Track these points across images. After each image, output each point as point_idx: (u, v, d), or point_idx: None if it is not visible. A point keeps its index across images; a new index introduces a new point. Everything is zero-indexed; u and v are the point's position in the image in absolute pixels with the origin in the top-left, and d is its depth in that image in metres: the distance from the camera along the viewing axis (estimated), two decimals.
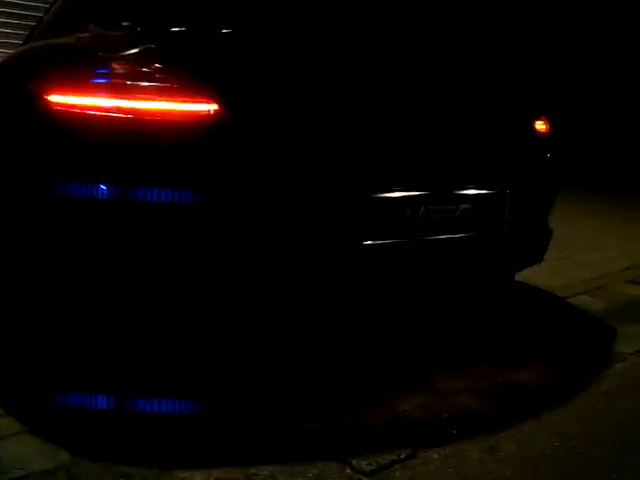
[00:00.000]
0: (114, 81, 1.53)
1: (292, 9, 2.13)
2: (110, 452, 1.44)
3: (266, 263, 1.64)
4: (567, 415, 1.72)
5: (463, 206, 1.95)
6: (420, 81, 1.95)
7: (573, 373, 2.02)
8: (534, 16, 9.20)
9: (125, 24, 2.02)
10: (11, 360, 1.87)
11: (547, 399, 1.81)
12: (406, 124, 1.85)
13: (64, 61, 1.73)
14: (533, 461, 1.49)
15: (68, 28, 2.19)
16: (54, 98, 1.55)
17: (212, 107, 1.54)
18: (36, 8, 5.49)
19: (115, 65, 1.58)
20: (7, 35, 5.74)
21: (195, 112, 1.54)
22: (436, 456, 1.49)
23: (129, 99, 1.50)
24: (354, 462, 1.44)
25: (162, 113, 1.51)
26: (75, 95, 1.54)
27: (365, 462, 1.44)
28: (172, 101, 1.53)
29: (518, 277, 2.59)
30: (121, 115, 1.49)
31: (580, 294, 2.87)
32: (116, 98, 1.50)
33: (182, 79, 1.56)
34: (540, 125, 2.26)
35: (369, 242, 1.75)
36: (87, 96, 1.52)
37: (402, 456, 1.47)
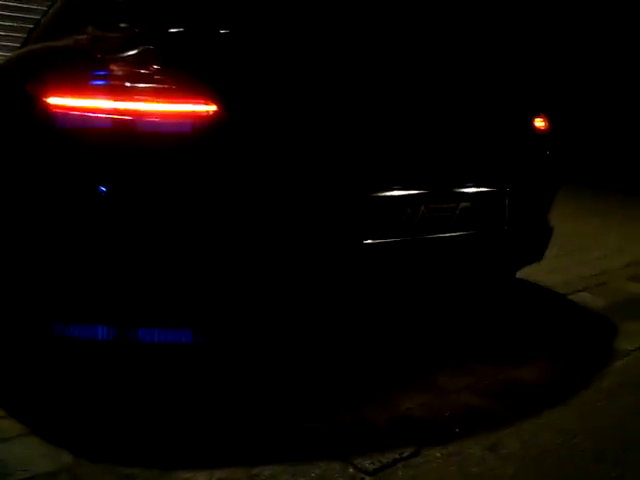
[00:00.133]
0: (112, 83, 1.53)
1: (291, 9, 2.13)
2: (112, 453, 1.44)
3: (267, 263, 1.64)
4: (569, 412, 1.72)
5: (463, 204, 1.95)
6: (420, 80, 1.95)
7: (574, 370, 2.02)
8: (533, 13, 9.20)
9: (123, 26, 2.02)
10: (9, 360, 1.87)
11: (548, 396, 1.81)
12: (406, 123, 1.85)
13: (62, 63, 1.73)
14: (535, 458, 1.49)
15: (66, 30, 2.19)
16: (53, 100, 1.55)
17: (211, 108, 1.54)
18: (34, 11, 5.49)
19: (113, 67, 1.57)
20: (4, 38, 5.74)
21: (193, 113, 1.54)
22: (439, 454, 1.49)
23: (127, 101, 1.50)
24: (356, 461, 1.44)
25: (161, 114, 1.51)
26: (74, 97, 1.54)
27: (368, 461, 1.44)
28: (170, 102, 1.53)
29: (519, 274, 2.59)
30: (120, 117, 1.49)
31: (580, 291, 2.87)
32: (115, 100, 1.50)
33: (180, 80, 1.56)
34: (539, 122, 2.26)
35: (369, 241, 1.76)
36: (86, 98, 1.53)
37: (405, 455, 1.47)
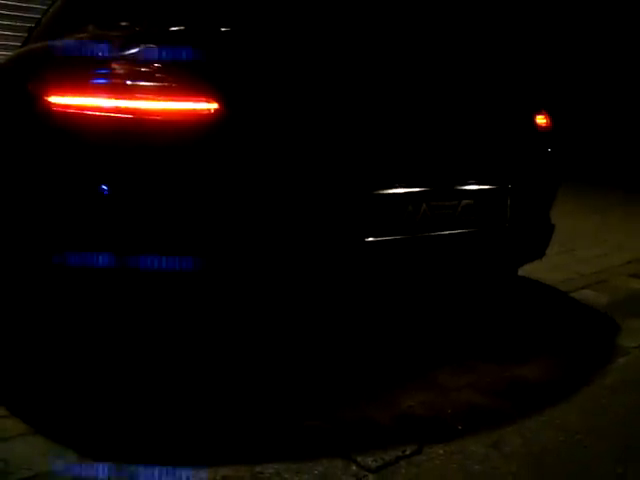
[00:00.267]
0: (114, 81, 1.53)
1: (292, 7, 2.12)
2: (115, 452, 1.44)
3: (268, 260, 1.64)
4: (571, 410, 1.72)
5: (465, 202, 1.95)
6: (421, 77, 1.95)
7: (576, 368, 2.02)
8: (534, 11, 9.18)
9: (123, 24, 2.02)
10: (12, 359, 1.87)
11: (551, 394, 1.81)
12: (407, 120, 1.85)
13: (63, 62, 1.73)
14: (537, 456, 1.49)
15: (66, 29, 2.19)
16: (54, 99, 1.55)
17: (212, 106, 1.54)
18: (34, 10, 5.49)
19: (114, 65, 1.57)
20: (5, 37, 5.74)
21: (195, 111, 1.54)
22: (441, 452, 1.49)
23: (129, 99, 1.50)
24: (359, 459, 1.44)
25: (162, 112, 1.51)
26: (75, 96, 1.54)
27: (370, 458, 1.45)
28: (172, 100, 1.53)
29: (520, 272, 2.59)
30: (121, 115, 1.49)
31: (582, 288, 2.87)
32: (116, 98, 1.50)
33: (182, 78, 1.56)
34: (541, 120, 2.26)
35: (371, 239, 1.75)
36: (87, 97, 1.53)
37: (407, 452, 1.48)
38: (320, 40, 1.93)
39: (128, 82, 1.52)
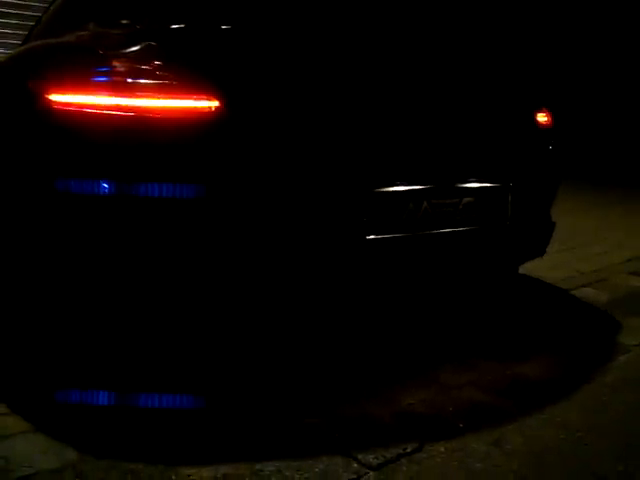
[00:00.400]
0: (114, 79, 1.53)
1: (293, 5, 2.12)
2: (116, 449, 1.44)
3: (268, 258, 1.64)
4: (572, 408, 1.72)
5: (466, 199, 1.95)
6: (422, 74, 1.95)
7: (577, 365, 2.02)
8: (534, 9, 9.18)
9: (124, 22, 2.01)
10: (12, 357, 1.87)
11: (551, 392, 1.81)
12: (408, 118, 1.85)
13: (64, 60, 1.73)
14: (539, 454, 1.49)
15: (67, 27, 2.19)
16: (55, 97, 1.55)
17: (213, 104, 1.54)
18: (35, 8, 5.48)
19: (115, 63, 1.57)
20: (6, 35, 5.73)
21: (196, 109, 1.53)
22: (442, 449, 1.49)
23: (129, 97, 1.50)
24: (360, 456, 1.44)
25: (163, 110, 1.51)
26: (76, 94, 1.54)
27: (371, 456, 1.45)
28: (173, 98, 1.52)
29: (521, 270, 2.59)
30: (122, 113, 1.49)
31: (583, 286, 2.87)
32: (117, 96, 1.50)
33: (182, 76, 1.56)
34: (541, 117, 2.26)
35: (372, 236, 1.75)
36: (88, 94, 1.52)
37: (408, 450, 1.48)
38: (321, 38, 1.93)
39: (129, 80, 1.52)
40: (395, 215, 1.79)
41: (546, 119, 2.27)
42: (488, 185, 2.02)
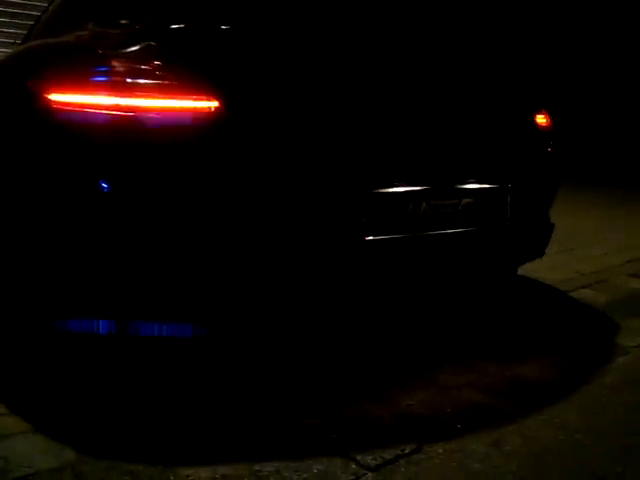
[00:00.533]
0: (113, 79, 1.53)
1: (293, 5, 2.12)
2: (115, 450, 1.44)
3: (267, 259, 1.64)
4: (571, 409, 1.72)
5: (465, 201, 1.95)
6: (422, 76, 1.95)
7: (576, 367, 2.02)
8: (533, 10, 9.18)
9: (124, 22, 2.01)
10: (12, 356, 1.87)
11: (550, 393, 1.81)
12: (407, 119, 1.85)
13: (63, 60, 1.73)
14: (537, 455, 1.49)
15: (67, 27, 2.19)
16: (54, 97, 1.55)
17: (212, 104, 1.54)
18: (35, 7, 5.48)
19: (114, 63, 1.57)
20: (5, 35, 5.73)
21: (195, 109, 1.54)
22: (441, 451, 1.49)
23: (129, 97, 1.50)
24: (359, 457, 1.44)
25: (162, 110, 1.51)
26: (75, 93, 1.54)
27: (370, 457, 1.45)
28: (172, 98, 1.52)
29: (520, 271, 2.59)
30: (121, 113, 1.49)
31: (582, 288, 2.87)
32: (116, 96, 1.50)
33: (182, 76, 1.56)
34: (541, 119, 2.26)
35: (371, 237, 1.75)
36: (87, 94, 1.52)
37: (407, 451, 1.48)
38: (320, 38, 1.93)
39: (128, 80, 1.52)
40: (394, 216, 1.79)
41: (545, 121, 2.27)
42: (487, 186, 2.02)
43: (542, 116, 2.27)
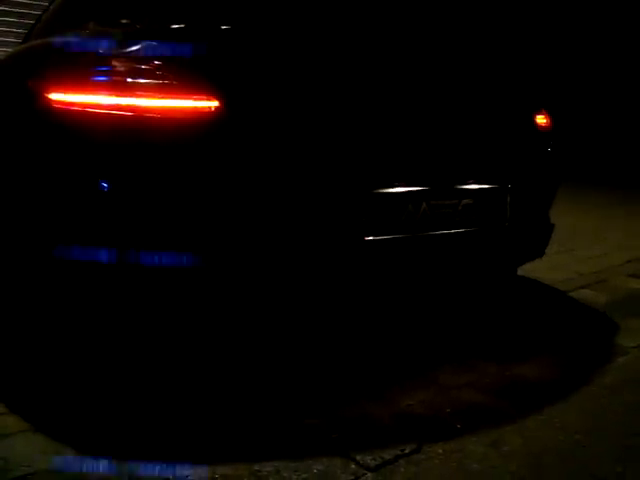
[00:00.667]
0: (114, 78, 1.53)
1: (292, 5, 2.12)
2: (115, 450, 1.44)
3: (267, 259, 1.64)
4: (570, 409, 1.72)
5: (465, 201, 1.95)
6: (421, 76, 1.95)
7: (576, 367, 2.02)
8: (533, 11, 9.18)
9: (124, 21, 2.01)
10: (12, 356, 1.87)
11: (550, 393, 1.81)
12: (407, 119, 1.85)
13: (64, 59, 1.72)
14: (537, 455, 1.49)
15: (67, 26, 2.19)
16: (54, 96, 1.55)
17: (212, 104, 1.54)
18: (36, 6, 5.48)
19: (115, 62, 1.57)
20: (6, 34, 5.73)
21: (195, 109, 1.54)
22: (440, 451, 1.49)
23: (129, 96, 1.50)
24: (358, 457, 1.44)
25: (162, 110, 1.51)
26: (75, 93, 1.54)
27: (369, 457, 1.45)
28: (172, 98, 1.53)
29: (520, 271, 2.59)
30: (121, 112, 1.49)
31: (581, 288, 2.88)
32: (116, 95, 1.50)
33: (182, 76, 1.56)
34: (540, 119, 2.26)
35: (371, 238, 1.75)
36: (87, 94, 1.52)
37: (406, 451, 1.48)
38: (320, 38, 1.93)
39: (129, 79, 1.52)
40: (394, 216, 1.79)
41: (545, 121, 2.27)
42: (487, 187, 2.02)
43: (542, 116, 2.27)
